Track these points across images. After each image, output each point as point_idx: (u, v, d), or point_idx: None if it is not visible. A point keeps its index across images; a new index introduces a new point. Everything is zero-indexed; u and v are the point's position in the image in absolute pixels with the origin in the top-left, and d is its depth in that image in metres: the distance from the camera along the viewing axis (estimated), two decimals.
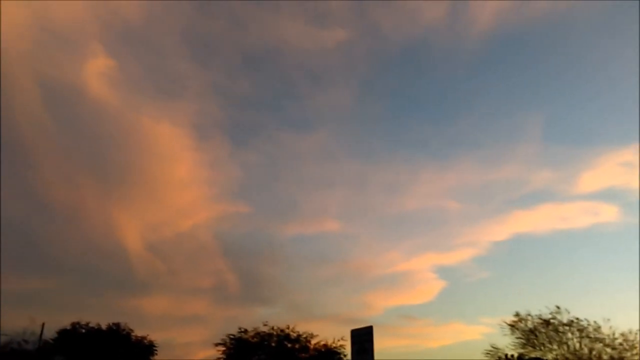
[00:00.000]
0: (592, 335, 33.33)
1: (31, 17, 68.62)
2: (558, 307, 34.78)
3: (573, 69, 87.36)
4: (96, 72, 73.01)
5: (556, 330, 34.45)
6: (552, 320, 34.65)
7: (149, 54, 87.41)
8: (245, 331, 37.09)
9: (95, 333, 38.67)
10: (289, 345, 36.78)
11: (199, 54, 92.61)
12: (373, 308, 73.08)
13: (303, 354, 36.53)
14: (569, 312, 34.37)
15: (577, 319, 34.04)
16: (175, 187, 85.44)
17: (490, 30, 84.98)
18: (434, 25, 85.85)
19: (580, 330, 33.72)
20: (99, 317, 40.56)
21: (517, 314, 36.14)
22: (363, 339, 12.98)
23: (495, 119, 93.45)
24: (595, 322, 33.61)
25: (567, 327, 34.18)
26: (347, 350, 29.51)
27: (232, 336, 36.94)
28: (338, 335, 36.80)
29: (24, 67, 71.72)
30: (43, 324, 34.99)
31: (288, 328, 37.25)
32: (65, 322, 39.11)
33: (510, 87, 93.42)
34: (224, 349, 36.67)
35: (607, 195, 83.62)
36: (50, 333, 37.82)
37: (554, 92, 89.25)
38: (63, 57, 75.65)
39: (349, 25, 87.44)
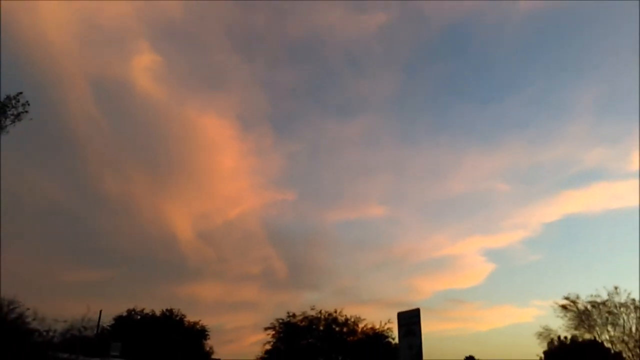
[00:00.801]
0: None
1: (78, 16, 70.79)
2: (616, 288, 33.70)
3: (623, 43, 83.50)
4: (143, 67, 74.83)
5: (610, 312, 33.47)
6: (606, 302, 33.68)
7: (193, 49, 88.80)
8: (294, 315, 37.59)
9: (149, 319, 39.94)
10: (337, 328, 37.07)
11: (241, 47, 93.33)
12: (421, 292, 72.67)
13: (351, 337, 36.77)
14: (628, 293, 33.28)
15: (634, 299, 32.99)
16: (222, 177, 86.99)
17: (536, 7, 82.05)
18: (477, 4, 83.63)
19: (637, 311, 32.64)
20: (154, 304, 41.85)
21: (566, 297, 35.34)
22: (410, 321, 12.91)
23: (544, 97, 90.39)
24: None
25: (622, 309, 33.15)
26: (395, 333, 29.49)
27: (281, 320, 37.51)
28: (385, 319, 36.87)
29: (73, 65, 74.24)
30: (100, 311, 36.33)
31: (336, 312, 37.57)
32: (122, 309, 40.72)
33: (559, 63, 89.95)
34: (273, 332, 37.29)
35: None
36: (107, 320, 39.35)
37: (605, 67, 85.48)
38: (110, 54, 77.87)
39: (390, 9, 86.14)
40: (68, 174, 74.27)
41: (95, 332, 34.93)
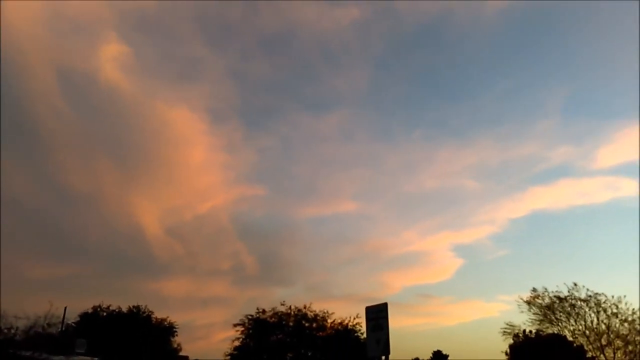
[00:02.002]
0: (609, 311, 33.23)
1: (45, 4, 68.95)
2: (575, 284, 34.67)
3: (594, 44, 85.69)
4: (110, 58, 73.38)
5: (573, 306, 34.39)
6: (568, 297, 34.58)
7: (163, 40, 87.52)
8: (264, 311, 37.50)
9: (116, 316, 39.34)
10: (307, 324, 37.15)
11: (214, 39, 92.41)
12: (390, 287, 73.52)
13: (320, 333, 36.90)
14: (587, 289, 34.27)
15: (595, 294, 33.95)
16: (192, 171, 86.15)
17: (509, 5, 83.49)
18: (450, 1, 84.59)
19: (598, 306, 33.61)
20: (120, 301, 41.38)
21: (533, 290, 36.13)
22: (378, 315, 13.00)
23: (516, 96, 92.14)
24: (613, 297, 33.53)
25: (584, 303, 34.08)
26: (363, 328, 29.71)
27: (250, 316, 37.39)
28: (356, 315, 37.06)
29: (39, 54, 72.29)
30: (65, 308, 35.58)
31: (305, 308, 37.62)
32: (87, 306, 39.97)
33: (530, 63, 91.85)
34: (242, 329, 37.15)
35: (627, 169, 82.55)
36: (72, 317, 38.61)
37: (575, 68, 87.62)
38: (78, 43, 76.08)
39: (364, 3, 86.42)
40: (32, 166, 72.54)
41: (59, 329, 34.22)
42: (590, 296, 33.90)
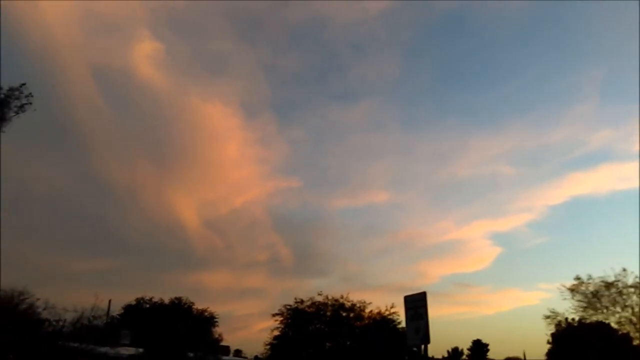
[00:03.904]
0: None
1: (78, 4, 70.62)
2: (624, 269, 33.48)
3: (630, 22, 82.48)
4: (144, 55, 74.80)
5: (620, 293, 33.30)
6: (615, 283, 33.47)
7: (195, 36, 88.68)
8: (302, 301, 37.68)
9: (158, 307, 40.19)
10: (344, 314, 37.20)
11: (243, 33, 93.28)
12: (427, 277, 73.21)
13: (358, 322, 36.92)
14: (635, 275, 33.06)
15: None
16: (227, 165, 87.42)
17: None
18: None
19: None
20: (162, 293, 42.13)
21: (577, 278, 35.12)
22: (417, 304, 12.92)
23: (548, 80, 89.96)
24: None
25: (631, 290, 32.98)
26: (401, 317, 29.55)
27: (288, 306, 37.63)
28: (392, 305, 36.88)
29: (75, 54, 74.28)
30: (110, 301, 36.65)
31: (342, 297, 37.64)
32: (130, 298, 41.04)
33: (563, 45, 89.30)
34: (281, 319, 37.43)
35: None
36: (116, 309, 39.66)
37: (611, 49, 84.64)
38: (112, 43, 77.88)
39: None
40: (73, 164, 74.82)
41: (104, 321, 35.21)
42: (638, 283, 32.75)
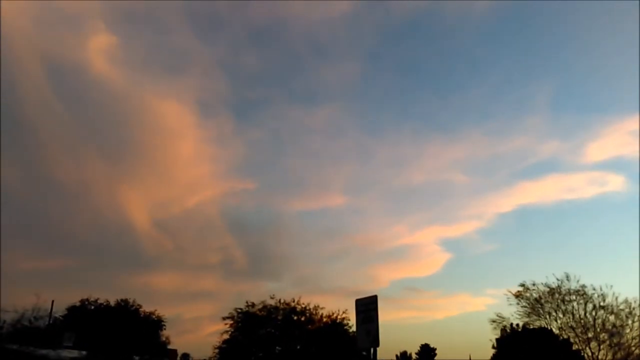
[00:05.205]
0: (596, 303, 33.49)
1: None
2: (567, 275, 34.75)
3: (581, 37, 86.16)
4: (99, 49, 72.63)
5: (562, 299, 34.54)
6: (558, 289, 34.70)
7: (152, 31, 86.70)
8: (253, 305, 37.37)
9: (104, 309, 39.14)
10: (296, 317, 37.12)
11: (202, 30, 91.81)
12: (379, 281, 73.94)
13: (309, 326, 36.91)
14: (577, 281, 34.35)
15: (583, 286, 34.16)
16: (181, 164, 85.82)
17: None
18: None
19: (585, 298, 33.83)
20: (108, 294, 41.10)
21: (522, 284, 36.29)
22: (368, 307, 12.95)
23: (505, 90, 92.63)
24: (600, 288, 33.75)
25: (572, 296, 34.27)
26: (352, 321, 29.71)
27: (239, 310, 37.23)
28: (345, 308, 37.11)
29: (26, 44, 71.40)
30: (52, 301, 35.45)
31: (294, 301, 37.57)
32: (75, 299, 39.72)
33: (519, 56, 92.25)
34: (232, 322, 37.00)
35: (614, 165, 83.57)
36: (60, 310, 38.36)
37: (563, 62, 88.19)
38: (65, 35, 75.24)
39: None
40: (20, 159, 71.74)
41: (47, 322, 33.97)
42: (578, 289, 34.10)
